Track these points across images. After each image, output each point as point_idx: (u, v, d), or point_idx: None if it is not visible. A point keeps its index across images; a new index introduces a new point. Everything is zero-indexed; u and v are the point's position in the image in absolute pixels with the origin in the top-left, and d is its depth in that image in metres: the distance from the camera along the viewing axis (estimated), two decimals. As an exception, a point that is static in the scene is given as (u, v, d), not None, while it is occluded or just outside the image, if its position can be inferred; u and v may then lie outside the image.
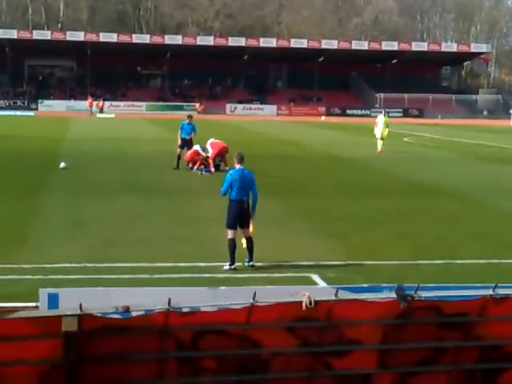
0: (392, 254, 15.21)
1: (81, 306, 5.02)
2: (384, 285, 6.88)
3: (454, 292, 5.75)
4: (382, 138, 39.27)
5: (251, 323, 5.31)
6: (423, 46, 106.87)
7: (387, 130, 39.86)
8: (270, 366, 5.52)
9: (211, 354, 5.41)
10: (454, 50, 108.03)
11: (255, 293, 5.26)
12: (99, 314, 5.10)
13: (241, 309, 5.27)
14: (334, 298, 5.33)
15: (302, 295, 5.31)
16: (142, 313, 5.19)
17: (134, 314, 5.17)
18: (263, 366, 5.51)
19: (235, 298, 5.63)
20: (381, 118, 40.06)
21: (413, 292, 5.44)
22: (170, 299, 5.11)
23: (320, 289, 9.22)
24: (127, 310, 5.09)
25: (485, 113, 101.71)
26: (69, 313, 5.05)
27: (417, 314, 5.53)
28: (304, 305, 5.26)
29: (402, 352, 5.66)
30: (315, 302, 5.29)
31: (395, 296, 5.42)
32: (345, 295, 5.48)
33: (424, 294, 5.50)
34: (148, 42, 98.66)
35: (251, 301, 5.22)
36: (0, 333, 4.99)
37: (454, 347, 5.72)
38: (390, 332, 5.57)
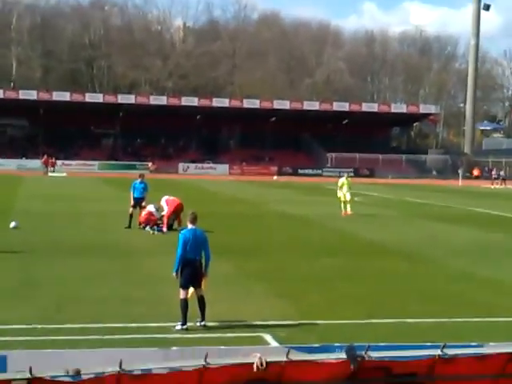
0: (345, 314, 15.30)
1: (31, 369, 4.96)
2: (336, 344, 6.95)
3: (403, 352, 5.83)
4: (348, 202, 38.31)
5: None
6: (373, 107, 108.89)
7: (349, 192, 39.04)
8: None
9: None
10: (404, 110, 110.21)
11: (207, 354, 5.27)
12: (49, 378, 5.05)
13: (192, 371, 5.28)
14: (285, 358, 5.36)
15: (254, 356, 5.33)
16: (92, 376, 5.15)
17: (84, 377, 5.13)
18: None
19: (187, 358, 5.64)
20: (342, 181, 39.50)
21: (363, 352, 5.50)
22: (121, 361, 5.09)
23: (272, 349, 9.24)
24: (78, 373, 5.05)
25: (434, 172, 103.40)
26: (18, 376, 5.00)
27: (367, 375, 5.58)
28: (255, 366, 5.28)
29: None
30: (267, 363, 5.31)
31: (346, 357, 5.48)
32: (297, 356, 5.51)
33: (374, 354, 5.56)
34: (101, 100, 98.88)
35: (202, 362, 5.23)
36: None
37: None
38: None
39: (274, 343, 12.72)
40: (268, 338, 13.22)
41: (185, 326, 13.71)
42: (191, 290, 14.10)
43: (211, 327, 13.95)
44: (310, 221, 34.69)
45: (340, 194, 39.02)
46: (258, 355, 5.33)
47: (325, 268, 21.08)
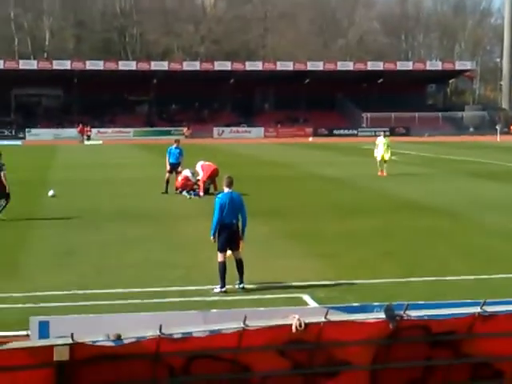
0: (382, 272, 15.27)
1: (72, 335, 5.00)
2: (375, 303, 6.92)
3: (442, 310, 5.78)
4: (384, 161, 37.72)
5: (242, 347, 5.32)
6: (408, 65, 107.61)
7: (389, 151, 38.36)
8: None
9: (203, 378, 5.41)
10: (439, 68, 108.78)
11: (246, 316, 5.27)
12: (91, 343, 5.09)
13: (232, 333, 5.29)
14: (323, 319, 5.34)
15: (292, 318, 5.32)
16: (133, 340, 5.19)
17: (125, 341, 5.17)
18: None
19: (226, 321, 5.65)
20: (381, 140, 38.62)
21: (402, 312, 5.46)
22: (161, 326, 5.11)
23: (311, 309, 9.24)
24: (119, 337, 5.08)
25: (471, 129, 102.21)
26: (60, 342, 5.04)
27: (406, 334, 5.54)
28: (294, 328, 5.28)
29: (393, 371, 5.67)
30: (305, 324, 5.30)
31: (384, 316, 5.44)
32: (335, 316, 5.49)
33: (413, 314, 5.52)
34: (134, 68, 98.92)
35: (242, 325, 5.23)
36: None
37: (443, 365, 5.74)
38: (380, 352, 5.59)
39: (312, 303, 12.74)
40: (306, 298, 13.25)
41: (224, 289, 13.78)
42: (229, 252, 14.15)
43: (250, 289, 14.01)
44: (347, 181, 34.54)
45: (376, 153, 38.31)
46: (297, 316, 5.32)
47: (362, 228, 21.01)
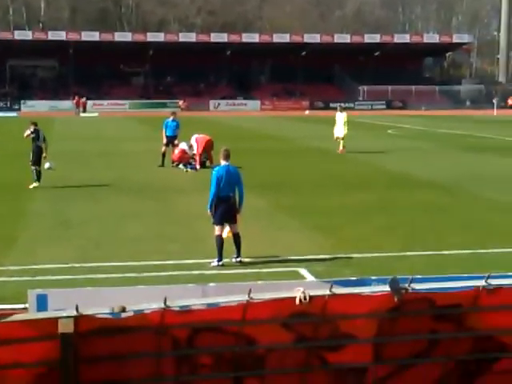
0: (380, 247, 15.25)
1: (77, 307, 5.00)
2: (373, 277, 6.90)
3: (447, 283, 5.78)
4: (342, 138, 35.15)
5: (247, 320, 5.31)
6: (405, 38, 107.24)
7: (346, 127, 35.33)
8: (266, 362, 5.53)
9: (207, 351, 5.41)
10: (436, 40, 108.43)
11: (250, 289, 5.26)
12: (96, 315, 5.08)
13: (236, 306, 5.28)
14: (328, 292, 5.34)
15: (297, 291, 5.32)
16: (137, 313, 5.18)
17: (129, 314, 5.16)
18: (259, 362, 5.51)
19: (225, 294, 5.64)
20: (339, 116, 35.91)
21: (406, 285, 5.45)
22: (165, 298, 5.10)
23: (315, 283, 9.24)
24: (123, 310, 5.07)
25: (468, 103, 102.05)
26: (65, 314, 5.03)
27: (410, 307, 5.55)
28: (298, 300, 5.27)
29: (397, 345, 5.68)
30: (310, 296, 5.30)
31: (389, 289, 5.44)
32: (340, 289, 5.49)
33: (417, 287, 5.52)
34: (130, 39, 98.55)
35: (246, 298, 5.22)
36: None
37: (447, 338, 5.74)
38: (384, 325, 5.59)
39: (309, 277, 12.73)
40: (304, 272, 13.24)
41: (221, 263, 13.77)
42: (227, 229, 14.07)
43: (247, 263, 14.00)
44: (343, 155, 34.46)
45: (336, 130, 35.94)
46: (301, 289, 5.31)
47: (359, 201, 20.98)
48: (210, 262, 13.83)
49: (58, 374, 5.15)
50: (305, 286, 5.49)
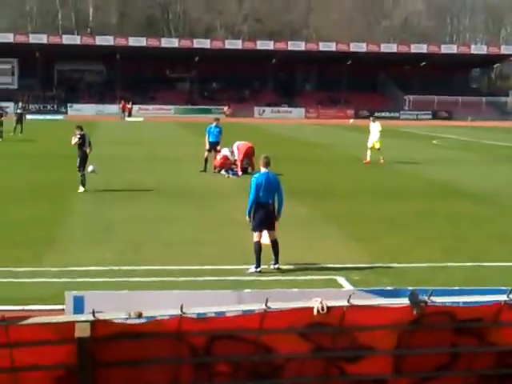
0: (419, 257, 15.13)
1: (93, 311, 5.02)
2: (409, 288, 6.84)
3: (468, 297, 5.71)
4: (377, 148, 34.17)
5: (265, 329, 5.29)
6: (453, 49, 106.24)
7: (379, 138, 34.40)
8: (284, 371, 5.51)
9: (225, 359, 5.41)
10: (484, 52, 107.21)
11: (267, 298, 5.24)
12: (112, 320, 5.10)
13: (254, 314, 5.27)
14: (346, 303, 5.31)
15: (315, 301, 5.30)
16: (155, 318, 5.19)
17: (147, 319, 5.17)
18: (277, 371, 5.50)
19: (260, 301, 5.63)
20: (373, 126, 34.95)
21: (426, 298, 5.41)
22: (182, 305, 5.10)
23: (335, 292, 9.20)
24: (140, 315, 5.09)
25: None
26: (82, 319, 5.06)
27: (430, 320, 5.49)
28: (316, 311, 5.25)
29: (417, 357, 5.63)
30: (328, 307, 5.27)
31: (409, 302, 5.40)
32: (358, 300, 5.44)
33: (438, 300, 5.47)
34: (177, 45, 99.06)
35: (264, 306, 5.21)
36: (16, 338, 5.01)
37: (468, 353, 5.68)
38: (404, 337, 5.54)
39: (347, 286, 12.67)
40: (341, 280, 13.18)
41: (258, 269, 13.76)
42: (266, 237, 14.04)
43: (285, 270, 13.97)
44: (385, 165, 34.26)
45: (369, 140, 34.88)
46: (319, 299, 5.28)
47: (399, 211, 20.84)
48: (248, 268, 13.84)
49: (76, 377, 5.18)
50: (325, 295, 5.46)
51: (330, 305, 5.28)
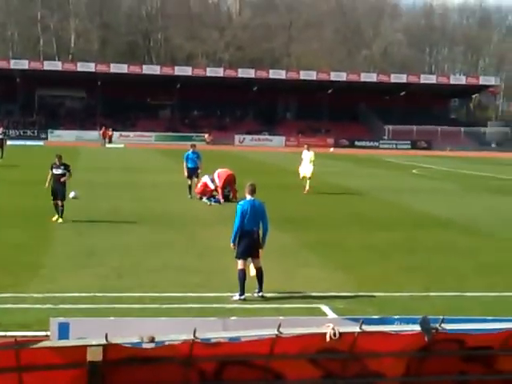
0: (402, 286, 15.20)
1: (106, 336, 5.01)
2: (396, 316, 6.89)
3: (478, 325, 5.76)
4: (309, 178, 33.49)
5: (275, 354, 5.31)
6: (432, 79, 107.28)
7: (312, 167, 33.77)
8: None
9: None
10: (463, 82, 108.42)
11: (280, 324, 5.27)
12: (125, 344, 5.10)
13: (265, 340, 5.28)
14: (358, 329, 5.33)
15: (327, 327, 5.32)
16: (166, 343, 5.19)
17: (159, 344, 5.18)
18: None
19: (246, 328, 5.64)
20: (305, 154, 34.47)
21: (437, 325, 5.44)
22: (195, 330, 5.11)
23: (345, 320, 9.24)
24: (152, 340, 5.10)
25: (493, 145, 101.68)
26: (94, 343, 5.05)
27: (440, 347, 5.53)
28: (328, 336, 5.27)
29: None
30: (340, 333, 5.30)
31: (419, 329, 5.43)
32: (370, 327, 5.48)
33: (448, 327, 5.51)
34: (158, 72, 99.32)
35: (275, 332, 5.23)
36: (25, 362, 4.98)
37: (477, 380, 5.71)
38: (413, 364, 5.57)
39: (331, 314, 12.70)
40: (325, 309, 13.21)
41: (242, 297, 13.77)
42: (252, 268, 14.06)
43: (269, 298, 13.99)
44: (366, 193, 34.45)
45: (301, 169, 34.39)
46: (331, 325, 5.31)
47: (381, 240, 20.94)
48: (232, 296, 13.85)
49: None
50: (335, 322, 5.48)
51: (342, 331, 5.30)
